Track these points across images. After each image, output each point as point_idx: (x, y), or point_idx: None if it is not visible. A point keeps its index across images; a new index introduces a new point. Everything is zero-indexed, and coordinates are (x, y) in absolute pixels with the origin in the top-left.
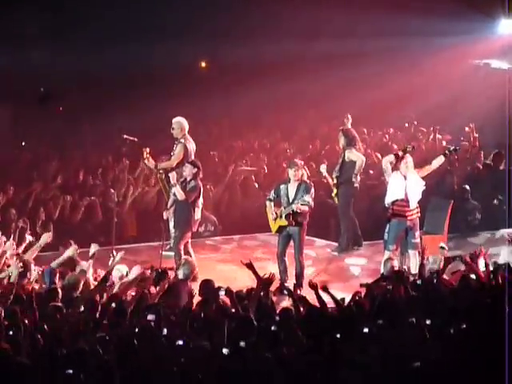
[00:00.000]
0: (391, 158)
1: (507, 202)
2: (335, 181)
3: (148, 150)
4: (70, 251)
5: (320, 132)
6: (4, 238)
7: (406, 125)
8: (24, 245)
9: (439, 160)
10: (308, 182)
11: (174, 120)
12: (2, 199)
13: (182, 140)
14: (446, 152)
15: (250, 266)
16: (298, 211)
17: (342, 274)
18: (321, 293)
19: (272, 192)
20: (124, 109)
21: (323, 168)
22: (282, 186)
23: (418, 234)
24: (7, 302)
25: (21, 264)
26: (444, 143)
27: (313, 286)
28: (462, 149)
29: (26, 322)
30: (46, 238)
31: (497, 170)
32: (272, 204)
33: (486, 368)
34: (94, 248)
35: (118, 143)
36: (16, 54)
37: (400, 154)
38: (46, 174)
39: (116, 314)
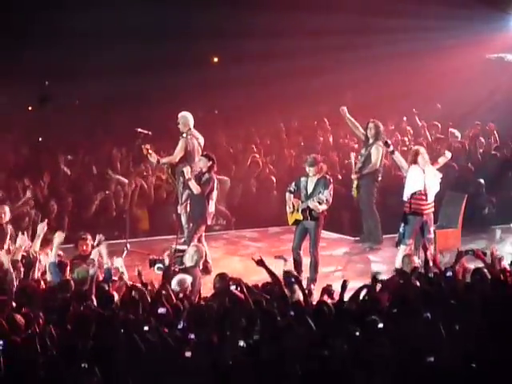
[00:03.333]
0: (397, 154)
1: None
2: (356, 173)
3: (148, 146)
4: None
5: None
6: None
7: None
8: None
9: (448, 154)
10: (327, 177)
11: (180, 115)
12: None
13: (184, 135)
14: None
15: (260, 263)
16: (314, 208)
17: (355, 267)
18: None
19: (293, 184)
20: (137, 101)
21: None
22: (303, 179)
23: (432, 228)
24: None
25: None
26: (457, 134)
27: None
28: (477, 143)
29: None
30: (61, 237)
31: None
32: (291, 196)
33: (500, 362)
34: (98, 238)
35: (131, 137)
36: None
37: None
38: (59, 168)
39: (128, 307)
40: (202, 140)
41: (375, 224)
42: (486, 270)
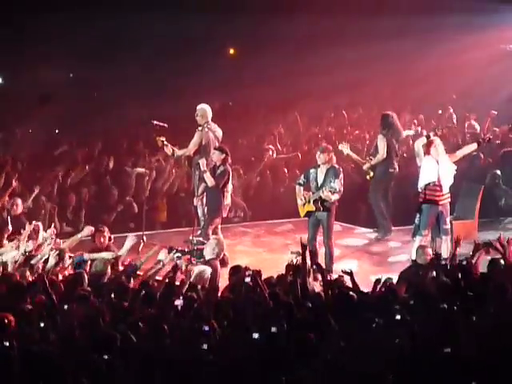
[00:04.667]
0: (423, 140)
1: None
2: (370, 163)
3: (163, 138)
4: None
5: (349, 118)
6: (40, 226)
7: (440, 111)
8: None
9: (472, 147)
10: (337, 166)
11: (198, 107)
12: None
13: (200, 128)
14: (480, 140)
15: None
16: (326, 198)
17: (371, 259)
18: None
19: (302, 176)
20: (153, 95)
21: (343, 147)
22: (312, 171)
23: (448, 219)
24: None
25: (57, 253)
26: (477, 127)
27: (346, 273)
28: (493, 134)
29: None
30: (88, 231)
31: None
32: (301, 188)
33: None
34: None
35: (147, 129)
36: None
37: (431, 135)
38: (76, 161)
39: (145, 299)
40: (219, 133)
41: (380, 215)
42: (502, 261)
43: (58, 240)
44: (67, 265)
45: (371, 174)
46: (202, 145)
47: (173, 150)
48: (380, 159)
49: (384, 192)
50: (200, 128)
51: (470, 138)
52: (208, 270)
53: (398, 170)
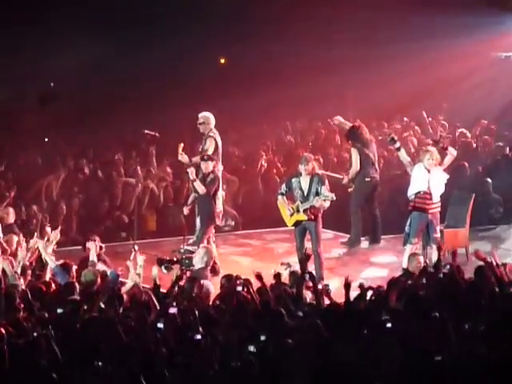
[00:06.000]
0: (402, 152)
1: None
2: (348, 177)
3: (182, 145)
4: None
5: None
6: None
7: (430, 119)
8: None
9: (452, 151)
10: (320, 173)
11: (201, 115)
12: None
13: (212, 134)
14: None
15: (259, 278)
16: (318, 206)
17: (362, 268)
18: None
19: (283, 186)
20: (143, 104)
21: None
22: (294, 180)
23: (438, 228)
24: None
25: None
26: (468, 135)
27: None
28: (483, 142)
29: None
30: (55, 235)
31: None
32: (284, 198)
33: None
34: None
35: (137, 138)
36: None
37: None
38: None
39: (139, 308)
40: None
41: (354, 225)
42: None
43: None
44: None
45: (352, 186)
46: (217, 150)
47: (189, 158)
48: (354, 172)
49: (366, 202)
50: (212, 134)
51: (461, 146)
52: (210, 287)
53: (377, 178)
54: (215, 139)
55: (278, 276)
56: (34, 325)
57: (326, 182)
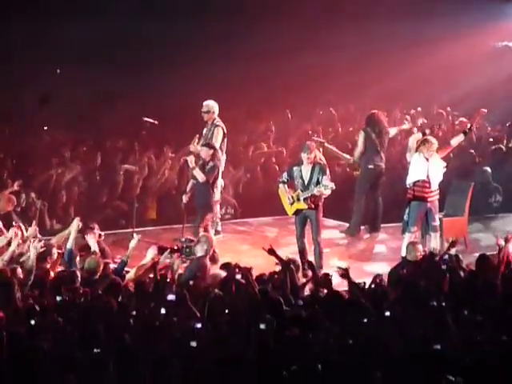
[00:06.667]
0: (418, 136)
1: None
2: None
3: (198, 136)
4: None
5: (339, 115)
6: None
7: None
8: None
9: (459, 138)
10: (322, 163)
11: (206, 103)
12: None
13: (218, 123)
14: (467, 130)
15: (271, 252)
16: (319, 194)
17: (362, 256)
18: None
19: (285, 174)
20: (141, 92)
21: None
22: (296, 168)
23: (437, 216)
24: (27, 286)
25: (41, 245)
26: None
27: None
28: (484, 132)
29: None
30: (76, 223)
31: None
32: (285, 186)
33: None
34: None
35: (137, 126)
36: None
37: (427, 132)
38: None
39: (136, 296)
40: None
41: (356, 213)
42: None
43: (40, 236)
44: (55, 260)
45: (359, 169)
46: (223, 140)
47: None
48: (358, 154)
49: (370, 189)
50: (218, 123)
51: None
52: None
53: (382, 166)
54: (223, 128)
55: (272, 251)
56: (32, 312)
57: (328, 171)
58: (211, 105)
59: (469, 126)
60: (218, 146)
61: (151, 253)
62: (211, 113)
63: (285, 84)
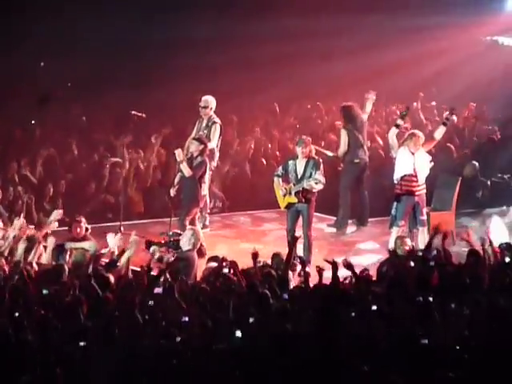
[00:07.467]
0: (394, 130)
1: None
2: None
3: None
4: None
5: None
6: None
7: (415, 104)
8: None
9: (441, 130)
10: (316, 158)
11: (204, 98)
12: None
13: (216, 120)
14: (445, 121)
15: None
16: (309, 188)
17: (349, 250)
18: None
19: (280, 168)
20: (129, 84)
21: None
22: (291, 162)
23: (425, 210)
24: (13, 279)
25: (25, 240)
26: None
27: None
28: (471, 126)
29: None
30: (57, 214)
31: (506, 147)
32: (280, 180)
33: (494, 346)
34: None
35: (125, 119)
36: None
37: (399, 122)
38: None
39: (122, 288)
40: None
41: (342, 206)
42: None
43: (29, 227)
44: (41, 252)
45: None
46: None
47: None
48: (342, 152)
49: (356, 183)
50: (217, 120)
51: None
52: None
53: (366, 159)
54: (221, 126)
55: (255, 255)
56: (18, 306)
57: (321, 166)
58: (210, 100)
59: (445, 115)
60: (214, 143)
61: (112, 240)
62: (209, 108)
63: (272, 76)
